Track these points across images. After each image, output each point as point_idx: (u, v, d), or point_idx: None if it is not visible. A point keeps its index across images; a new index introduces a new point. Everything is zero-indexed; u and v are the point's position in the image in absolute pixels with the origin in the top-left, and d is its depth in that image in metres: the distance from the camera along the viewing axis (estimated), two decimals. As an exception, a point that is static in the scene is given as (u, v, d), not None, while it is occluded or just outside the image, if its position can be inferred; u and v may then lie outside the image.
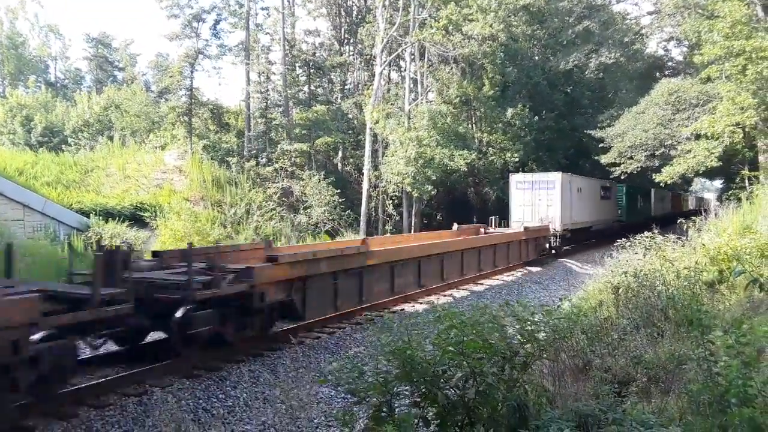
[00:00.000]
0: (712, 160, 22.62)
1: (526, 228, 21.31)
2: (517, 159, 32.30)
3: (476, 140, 33.47)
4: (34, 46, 56.54)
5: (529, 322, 4.94)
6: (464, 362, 4.52)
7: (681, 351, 6.28)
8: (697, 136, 23.46)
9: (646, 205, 41.09)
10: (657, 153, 26.20)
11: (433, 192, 30.44)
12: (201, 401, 7.42)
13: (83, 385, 7.26)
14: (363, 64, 43.14)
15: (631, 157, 27.17)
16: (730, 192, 23.86)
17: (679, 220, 16.79)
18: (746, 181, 23.97)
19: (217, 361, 8.69)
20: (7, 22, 53.95)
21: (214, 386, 7.88)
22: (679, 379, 5.75)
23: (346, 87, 44.11)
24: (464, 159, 28.59)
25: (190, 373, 8.19)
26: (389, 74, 42.47)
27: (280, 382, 8.16)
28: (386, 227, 31.20)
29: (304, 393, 7.77)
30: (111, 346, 8.58)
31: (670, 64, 41.34)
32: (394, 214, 32.91)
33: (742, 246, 10.62)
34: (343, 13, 45.28)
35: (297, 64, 41.84)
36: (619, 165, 28.04)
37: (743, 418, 4.00)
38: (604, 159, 28.83)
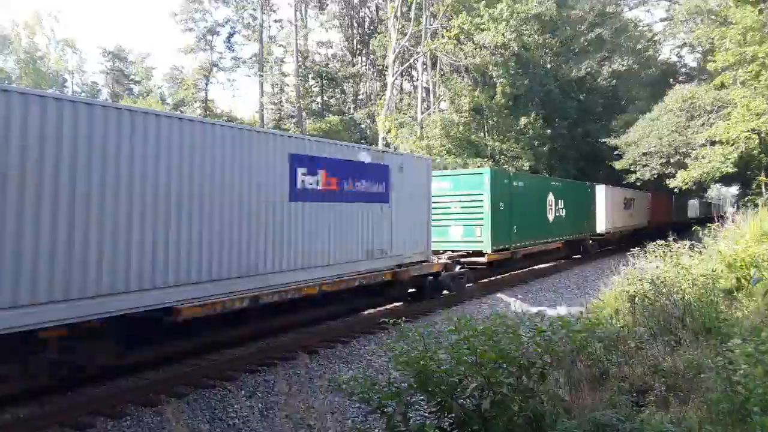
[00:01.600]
0: (728, 166, 22.45)
1: None
2: (528, 167, 32.24)
3: (489, 148, 33.48)
4: (51, 61, 57.44)
5: (546, 333, 4.91)
6: (480, 372, 4.51)
7: (699, 359, 6.21)
8: (713, 143, 23.31)
9: (581, 213, 24.92)
10: (672, 160, 26.04)
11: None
12: (217, 411, 7.45)
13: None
14: (375, 74, 43.43)
15: (645, 165, 27.05)
16: (747, 198, 23.65)
17: (693, 227, 16.21)
18: (763, 187, 23.74)
19: (233, 371, 8.74)
20: (25, 38, 54.88)
21: (229, 396, 7.91)
22: (698, 388, 5.68)
23: (358, 97, 44.42)
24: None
25: (206, 382, 8.23)
26: (401, 84, 42.69)
27: (295, 392, 8.18)
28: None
29: (318, 402, 7.78)
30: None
31: (683, 70, 41.15)
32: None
33: (760, 253, 10.50)
34: (355, 25, 45.67)
35: (310, 76, 42.23)
36: (634, 172, 27.93)
37: (764, 428, 3.95)
38: (618, 165, 28.69)
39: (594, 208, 26.59)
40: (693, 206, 52.65)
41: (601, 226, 27.13)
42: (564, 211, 22.61)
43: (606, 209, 27.40)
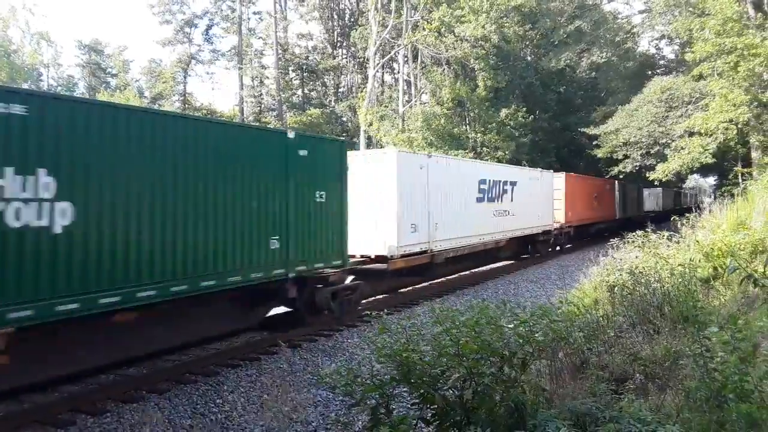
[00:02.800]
0: (706, 157, 22.73)
1: None
2: (510, 157, 32.36)
3: (470, 140, 33.55)
4: (26, 54, 56.36)
5: (527, 323, 4.95)
6: (462, 363, 4.52)
7: (677, 347, 6.30)
8: (691, 133, 23.58)
9: (298, 219, 10.17)
10: (652, 151, 26.29)
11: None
12: (198, 406, 7.40)
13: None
14: (356, 66, 43.27)
15: (627, 156, 27.29)
16: (724, 188, 24.02)
17: (672, 218, 16.33)
18: (740, 177, 24.13)
19: (213, 366, 8.70)
20: (-1, 31, 53.73)
21: (211, 391, 7.86)
22: (676, 376, 5.76)
23: (339, 90, 44.24)
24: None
25: (188, 378, 8.18)
26: (383, 77, 42.58)
27: (277, 386, 8.17)
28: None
29: (301, 396, 7.77)
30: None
31: (662, 62, 41.53)
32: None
33: (736, 242, 10.66)
34: (335, 17, 45.40)
35: (290, 68, 41.98)
36: (617, 163, 28.10)
37: (740, 414, 4.02)
38: (600, 153, 28.84)
39: (338, 202, 11.27)
40: (653, 197, 41.03)
41: (379, 245, 13.14)
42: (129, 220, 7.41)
43: (401, 206, 13.48)
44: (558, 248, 24.79)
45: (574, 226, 25.21)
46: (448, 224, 15.47)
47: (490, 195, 18.19)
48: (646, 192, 39.82)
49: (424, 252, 14.52)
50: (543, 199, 22.54)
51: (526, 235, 21.15)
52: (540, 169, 23.79)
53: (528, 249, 22.51)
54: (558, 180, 24.35)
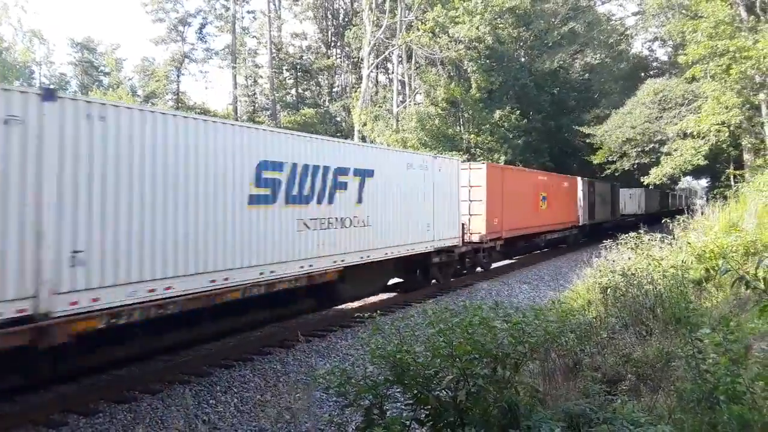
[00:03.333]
0: (699, 159, 22.82)
1: None
2: (504, 159, 32.42)
3: (464, 141, 33.58)
4: (17, 52, 55.99)
5: (520, 324, 4.95)
6: (455, 364, 4.53)
7: (669, 349, 6.33)
8: (684, 135, 23.68)
9: None
10: (647, 149, 26.30)
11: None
12: (191, 407, 7.38)
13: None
14: (351, 66, 43.26)
15: (623, 155, 27.29)
16: (716, 190, 24.13)
17: (663, 220, 16.46)
18: (732, 179, 24.26)
19: (207, 367, 8.68)
20: (-9, 28, 53.36)
21: (204, 392, 7.84)
22: (668, 377, 5.79)
23: (333, 90, 44.20)
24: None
25: (180, 378, 8.15)
26: (377, 77, 42.58)
27: (271, 387, 8.16)
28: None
29: (294, 397, 7.76)
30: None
31: (655, 64, 41.72)
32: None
33: (728, 244, 10.72)
34: (329, 16, 45.38)
35: (284, 68, 41.91)
36: (613, 162, 28.04)
37: (732, 415, 4.04)
38: (596, 160, 28.81)
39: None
40: (634, 198, 36.56)
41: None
42: None
43: None
44: (479, 269, 18.57)
45: (504, 238, 18.83)
46: (127, 250, 7.35)
47: (294, 191, 10.25)
48: (624, 192, 35.27)
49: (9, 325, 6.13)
50: (440, 200, 15.07)
51: (404, 257, 13.60)
52: (433, 155, 15.72)
53: (417, 274, 15.45)
54: (476, 174, 17.56)
